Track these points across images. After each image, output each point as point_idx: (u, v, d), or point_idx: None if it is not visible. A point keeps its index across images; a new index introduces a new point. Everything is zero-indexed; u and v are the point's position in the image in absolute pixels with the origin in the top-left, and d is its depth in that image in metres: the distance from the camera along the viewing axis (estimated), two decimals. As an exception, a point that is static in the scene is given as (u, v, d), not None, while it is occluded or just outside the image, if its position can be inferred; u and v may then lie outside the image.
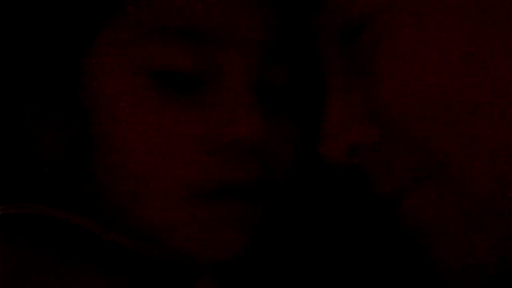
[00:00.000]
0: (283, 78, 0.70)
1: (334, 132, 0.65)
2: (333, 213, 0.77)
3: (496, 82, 0.61)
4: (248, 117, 0.66)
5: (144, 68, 0.66)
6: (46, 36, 0.68)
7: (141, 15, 0.67)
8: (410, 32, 0.62)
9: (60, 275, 0.65)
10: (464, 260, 0.64)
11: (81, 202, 0.69)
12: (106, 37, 0.67)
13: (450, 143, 0.62)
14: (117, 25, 0.67)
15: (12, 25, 0.69)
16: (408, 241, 0.67)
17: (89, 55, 0.68)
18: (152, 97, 0.66)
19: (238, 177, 0.67)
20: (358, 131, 0.65)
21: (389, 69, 0.63)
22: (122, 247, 0.67)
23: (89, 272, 0.66)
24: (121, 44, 0.67)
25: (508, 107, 0.61)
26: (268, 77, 0.69)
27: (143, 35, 0.66)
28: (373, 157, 0.65)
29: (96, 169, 0.68)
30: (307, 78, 0.71)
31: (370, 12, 0.63)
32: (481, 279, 0.64)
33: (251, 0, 0.68)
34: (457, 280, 0.65)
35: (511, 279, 0.64)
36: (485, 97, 0.61)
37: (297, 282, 0.73)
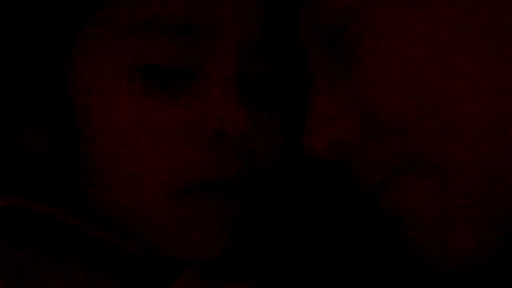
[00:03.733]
0: (268, 73, 0.70)
1: (318, 126, 0.65)
2: (318, 208, 0.77)
3: (477, 76, 0.61)
4: (233, 110, 0.66)
5: (129, 62, 0.66)
6: (30, 29, 0.68)
7: (126, 9, 0.67)
8: (392, 29, 0.62)
9: (41, 269, 0.65)
10: (448, 250, 0.64)
11: (66, 196, 0.69)
12: (91, 30, 0.67)
13: (432, 135, 0.62)
14: (102, 18, 0.67)
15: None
16: (392, 233, 0.67)
17: (74, 48, 0.68)
18: (137, 90, 0.66)
19: (222, 171, 0.67)
20: (341, 125, 0.65)
21: (372, 64, 0.63)
22: (104, 243, 0.67)
23: (71, 267, 0.66)
24: (107, 38, 0.67)
25: (487, 98, 0.61)
26: (254, 71, 0.69)
27: (128, 29, 0.66)
28: (356, 151, 0.65)
29: (81, 163, 0.68)
30: (293, 72, 0.71)
31: (353, 9, 0.63)
32: (466, 269, 0.64)
33: None
34: (441, 270, 0.65)
35: (497, 269, 0.64)
36: (466, 90, 0.61)
37: (282, 276, 0.73)
